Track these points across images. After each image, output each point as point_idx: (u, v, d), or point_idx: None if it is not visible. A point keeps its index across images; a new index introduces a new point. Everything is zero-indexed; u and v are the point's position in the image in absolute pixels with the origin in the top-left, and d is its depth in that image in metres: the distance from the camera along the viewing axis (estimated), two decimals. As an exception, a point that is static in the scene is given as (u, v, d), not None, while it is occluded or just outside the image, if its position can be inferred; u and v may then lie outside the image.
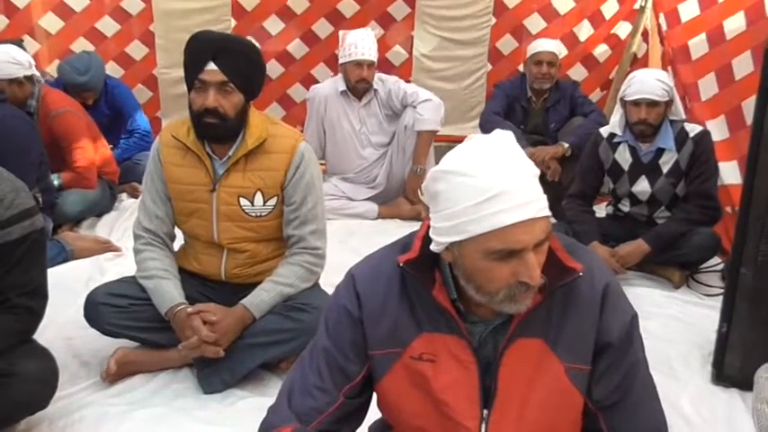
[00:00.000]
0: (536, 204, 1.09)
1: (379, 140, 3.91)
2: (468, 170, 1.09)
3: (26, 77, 3.35)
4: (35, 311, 1.86)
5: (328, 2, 4.72)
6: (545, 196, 1.12)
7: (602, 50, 4.75)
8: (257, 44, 4.53)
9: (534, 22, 4.73)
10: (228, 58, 2.04)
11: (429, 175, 1.15)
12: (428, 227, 1.22)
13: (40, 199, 3.19)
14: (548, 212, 1.11)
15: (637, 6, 4.56)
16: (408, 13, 4.73)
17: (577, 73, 4.76)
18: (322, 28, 4.77)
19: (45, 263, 1.92)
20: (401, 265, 1.22)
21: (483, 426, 1.23)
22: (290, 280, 2.20)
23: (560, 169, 3.68)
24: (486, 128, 3.96)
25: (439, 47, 4.76)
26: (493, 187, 1.07)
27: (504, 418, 1.23)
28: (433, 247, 1.18)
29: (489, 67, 4.81)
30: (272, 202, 2.20)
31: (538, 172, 1.14)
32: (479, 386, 1.23)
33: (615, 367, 1.24)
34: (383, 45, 4.66)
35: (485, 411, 1.23)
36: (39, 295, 1.87)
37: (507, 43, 4.79)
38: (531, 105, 4.04)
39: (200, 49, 2.06)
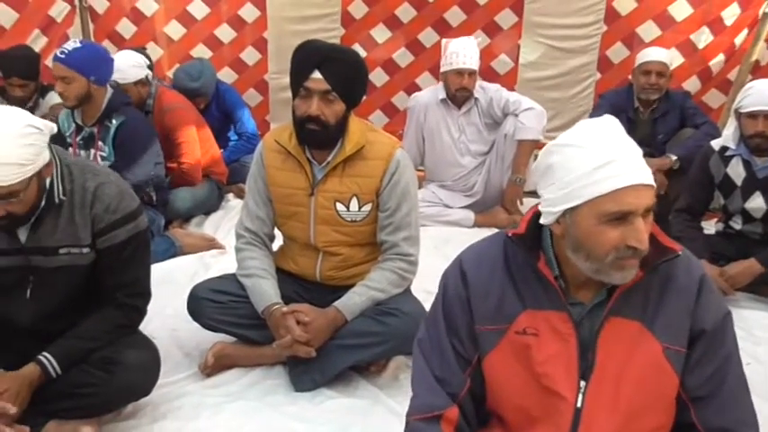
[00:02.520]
0: (645, 172, 1.23)
1: (477, 149, 3.89)
2: (581, 142, 1.24)
3: (146, 78, 3.63)
4: (140, 310, 2.00)
5: (435, 11, 4.72)
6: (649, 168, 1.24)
7: (718, 60, 4.50)
8: (363, 52, 4.70)
9: (648, 30, 4.52)
10: (333, 68, 2.10)
11: (543, 151, 1.29)
12: (534, 213, 1.36)
13: (154, 196, 3.41)
14: (654, 183, 1.24)
15: (761, 12, 4.29)
16: (515, 21, 4.66)
17: (692, 85, 4.52)
18: (428, 37, 4.77)
19: (149, 262, 2.03)
20: (510, 235, 1.36)
21: (580, 397, 1.31)
22: (382, 285, 2.24)
23: (666, 182, 3.53)
24: (588, 138, 3.86)
25: (546, 55, 4.66)
26: (606, 155, 1.21)
27: (600, 390, 1.30)
28: (543, 220, 1.30)
29: (598, 75, 4.66)
30: (368, 207, 2.24)
31: (641, 151, 1.26)
32: (578, 358, 1.31)
33: (709, 357, 1.30)
34: (489, 54, 4.63)
35: (582, 383, 1.31)
36: (143, 294, 1.99)
37: (618, 51, 4.61)
38: (639, 116, 3.89)
39: (307, 57, 2.12)
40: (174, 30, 4.95)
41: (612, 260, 1.23)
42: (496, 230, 3.69)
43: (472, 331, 1.38)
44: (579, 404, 1.30)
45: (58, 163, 1.82)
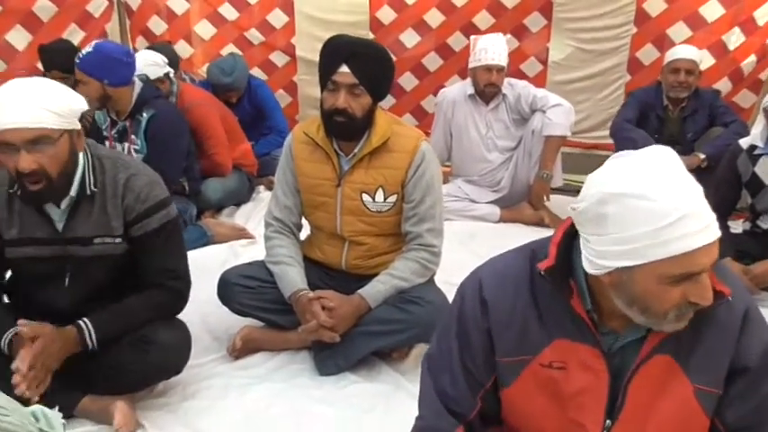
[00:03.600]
0: (714, 226, 1.08)
1: (505, 145, 3.91)
2: (645, 193, 1.05)
3: (165, 75, 3.68)
4: (183, 294, 2.08)
5: (464, 15, 4.74)
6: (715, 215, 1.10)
7: (750, 60, 4.44)
8: (392, 56, 4.72)
9: (679, 31, 4.48)
10: (360, 62, 2.16)
11: (593, 196, 1.11)
12: (563, 233, 1.23)
13: (187, 186, 3.50)
14: (720, 233, 1.09)
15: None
16: (545, 24, 4.66)
17: (723, 86, 4.43)
18: (457, 41, 4.80)
19: (184, 249, 2.11)
20: (542, 273, 1.21)
21: None
22: (406, 274, 2.29)
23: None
24: (616, 136, 3.86)
25: (575, 57, 4.65)
26: (675, 211, 1.04)
27: (626, 431, 1.24)
28: (590, 269, 1.15)
29: (628, 77, 4.63)
30: (393, 198, 2.29)
31: (701, 188, 1.10)
32: (608, 395, 1.24)
33: (752, 392, 1.22)
34: (518, 56, 4.64)
35: (607, 422, 1.25)
36: (184, 279, 2.07)
37: (648, 53, 4.58)
38: (667, 114, 3.88)
39: (334, 52, 2.19)
40: (205, 29, 5.06)
41: (673, 316, 1.12)
42: (521, 226, 3.77)
43: (490, 359, 1.30)
44: None
45: (89, 155, 1.91)
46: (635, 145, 3.14)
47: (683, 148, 3.79)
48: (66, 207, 1.90)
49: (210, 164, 3.82)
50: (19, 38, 4.23)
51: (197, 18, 5.05)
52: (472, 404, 1.32)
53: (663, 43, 4.52)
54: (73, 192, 1.88)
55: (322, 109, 2.24)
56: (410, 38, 4.87)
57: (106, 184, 1.91)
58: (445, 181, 3.82)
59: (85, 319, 1.90)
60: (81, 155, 1.89)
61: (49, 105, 1.73)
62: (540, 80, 4.71)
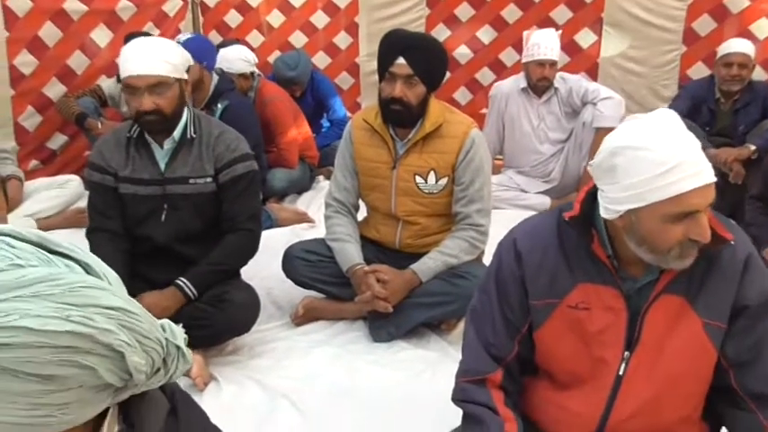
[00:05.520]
0: (708, 171, 1.24)
1: (556, 137, 4.01)
2: (646, 144, 1.23)
3: (250, 72, 3.99)
4: (257, 232, 2.38)
5: (518, -13, 4.80)
6: (710, 164, 1.26)
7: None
8: (448, 30, 4.87)
9: (736, 1, 4.37)
10: (415, 55, 2.34)
11: (605, 150, 1.27)
12: (587, 192, 1.40)
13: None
14: (715, 178, 1.26)
15: None
16: (599, -5, 4.65)
17: None
18: (511, 13, 4.85)
19: (259, 199, 2.48)
20: (567, 219, 1.39)
21: (623, 366, 1.41)
22: (455, 252, 2.46)
23: (744, 172, 3.56)
24: (667, 129, 3.91)
25: (629, 28, 4.59)
26: (671, 159, 1.21)
27: (642, 361, 1.40)
28: (604, 214, 1.33)
29: (683, 48, 4.56)
30: (444, 181, 2.47)
31: (700, 144, 1.27)
32: (626, 330, 1.39)
33: (751, 328, 1.36)
34: (572, 28, 4.64)
35: (626, 353, 1.40)
36: (258, 220, 2.39)
37: (705, 23, 4.48)
38: (719, 107, 3.92)
39: (392, 45, 2.38)
40: (275, 18, 5.31)
41: (676, 253, 1.28)
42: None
43: (525, 304, 1.45)
44: (621, 372, 1.40)
45: (191, 110, 2.28)
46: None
47: (735, 141, 3.82)
48: (169, 148, 2.26)
49: (279, 157, 4.07)
50: (102, 36, 4.55)
51: (268, 8, 5.31)
52: (510, 348, 1.48)
53: (721, 13, 4.44)
54: (176, 135, 2.24)
55: (380, 97, 2.43)
56: (465, 11, 4.96)
57: (202, 136, 2.27)
58: (497, 172, 3.95)
59: (182, 278, 2.22)
60: (185, 108, 2.25)
61: (166, 57, 2.14)
62: (593, 51, 4.72)
